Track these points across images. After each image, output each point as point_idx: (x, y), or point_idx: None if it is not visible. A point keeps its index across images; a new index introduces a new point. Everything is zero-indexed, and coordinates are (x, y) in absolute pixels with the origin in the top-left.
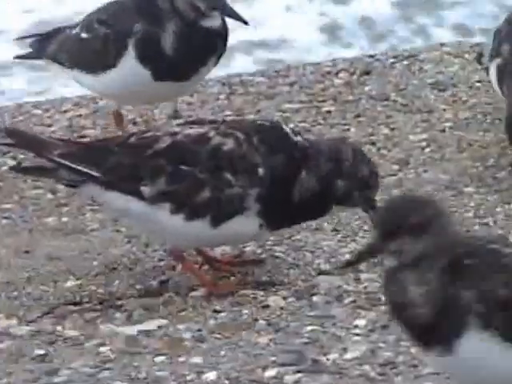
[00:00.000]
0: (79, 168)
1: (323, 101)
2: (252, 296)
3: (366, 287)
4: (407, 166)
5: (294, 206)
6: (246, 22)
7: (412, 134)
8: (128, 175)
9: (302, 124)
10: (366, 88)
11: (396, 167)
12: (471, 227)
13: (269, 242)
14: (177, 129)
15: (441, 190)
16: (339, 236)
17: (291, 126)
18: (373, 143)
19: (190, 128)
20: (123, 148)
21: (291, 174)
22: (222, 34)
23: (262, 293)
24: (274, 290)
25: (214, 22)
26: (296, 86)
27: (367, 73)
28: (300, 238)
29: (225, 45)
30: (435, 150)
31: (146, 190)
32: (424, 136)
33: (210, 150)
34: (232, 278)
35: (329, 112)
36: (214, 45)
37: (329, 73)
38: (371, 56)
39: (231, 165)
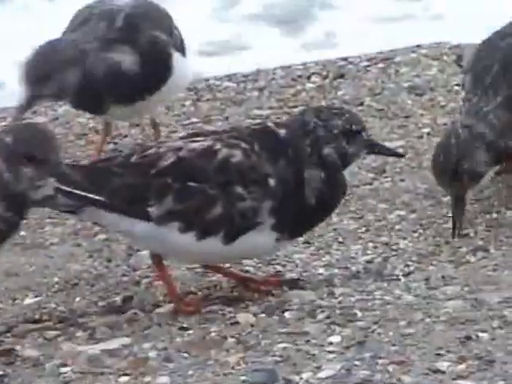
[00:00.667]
0: (80, 193)
1: (294, 106)
2: (220, 312)
3: (340, 302)
4: (383, 175)
5: (310, 208)
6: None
7: (388, 141)
8: (133, 196)
9: None
10: (340, 92)
11: (371, 175)
12: (450, 238)
13: None
14: (179, 143)
15: (418, 200)
16: (312, 248)
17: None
18: None
19: (194, 142)
20: (126, 168)
21: (298, 177)
22: None
23: (230, 309)
24: (243, 305)
25: None
26: (266, 91)
27: (340, 76)
28: None
29: None
30: (413, 157)
31: (153, 210)
32: (401, 143)
33: (219, 163)
34: (198, 293)
35: None
36: None
37: (300, 77)
38: (344, 59)
39: (242, 177)
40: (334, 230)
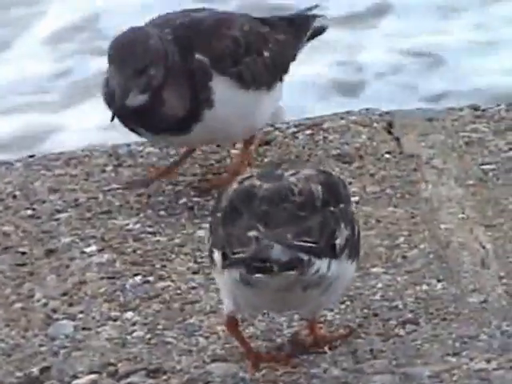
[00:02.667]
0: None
1: (219, 173)
2: None
3: (264, 375)
4: None
5: None
6: None
7: None
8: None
9: (196, 198)
10: (266, 159)
11: None
12: (379, 310)
13: (159, 326)
14: None
15: None
16: None
17: None
18: None
19: None
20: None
21: None
22: None
23: (151, 381)
24: (164, 377)
25: None
26: (189, 158)
27: (267, 143)
28: (193, 321)
29: None
30: None
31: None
32: None
33: None
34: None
35: None
36: None
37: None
38: (271, 125)
39: None
40: None
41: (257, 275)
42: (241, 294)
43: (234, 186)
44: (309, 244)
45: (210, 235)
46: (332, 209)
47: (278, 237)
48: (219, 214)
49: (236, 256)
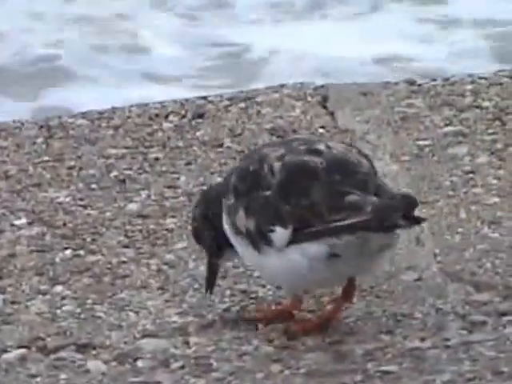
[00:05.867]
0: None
1: (150, 146)
2: (70, 359)
3: (195, 351)
4: None
5: None
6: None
7: None
8: None
9: (128, 171)
10: (198, 133)
11: None
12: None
13: (89, 301)
14: None
15: None
16: (166, 295)
17: None
18: None
19: None
20: None
21: None
22: None
23: (81, 356)
24: (94, 352)
25: None
26: (121, 129)
27: (199, 116)
28: (123, 296)
29: None
30: None
31: None
32: None
33: None
34: (47, 339)
35: (157, 159)
36: None
37: (157, 115)
38: (204, 98)
39: None
40: (190, 276)
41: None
42: (311, 268)
43: (271, 163)
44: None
45: (248, 216)
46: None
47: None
48: (266, 193)
49: (347, 222)
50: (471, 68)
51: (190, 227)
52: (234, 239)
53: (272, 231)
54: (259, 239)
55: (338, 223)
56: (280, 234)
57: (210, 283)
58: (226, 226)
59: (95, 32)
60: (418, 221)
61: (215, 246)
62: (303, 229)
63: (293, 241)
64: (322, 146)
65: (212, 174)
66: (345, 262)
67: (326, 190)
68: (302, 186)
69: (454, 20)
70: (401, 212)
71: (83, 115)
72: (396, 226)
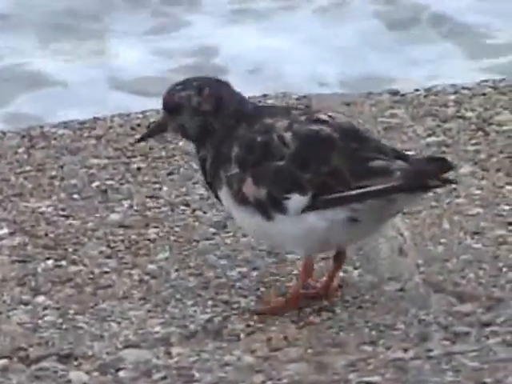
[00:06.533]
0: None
1: (133, 156)
2: (52, 370)
3: (177, 362)
4: (224, 230)
5: None
6: None
7: None
8: None
9: (110, 182)
10: (180, 143)
11: (212, 230)
12: None
13: (71, 311)
14: None
15: (261, 256)
16: (148, 305)
17: None
18: (187, 204)
19: None
20: None
21: None
22: None
23: (63, 366)
24: (76, 363)
25: None
26: (103, 139)
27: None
28: (105, 306)
29: None
30: None
31: None
32: None
33: None
34: (29, 349)
35: (139, 169)
36: None
37: (139, 125)
38: None
39: None
40: (172, 286)
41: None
42: (329, 232)
43: (280, 133)
44: None
45: (258, 185)
46: None
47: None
48: (279, 162)
49: (378, 187)
50: None
51: None
52: (234, 209)
53: (287, 199)
54: (271, 207)
55: (367, 189)
56: (296, 201)
57: (149, 134)
58: (225, 197)
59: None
60: (450, 181)
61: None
62: (324, 195)
63: (311, 207)
64: (324, 116)
65: (194, 184)
66: (363, 226)
67: (346, 156)
68: (320, 154)
69: None
70: (434, 176)
71: (65, 125)
72: (431, 186)
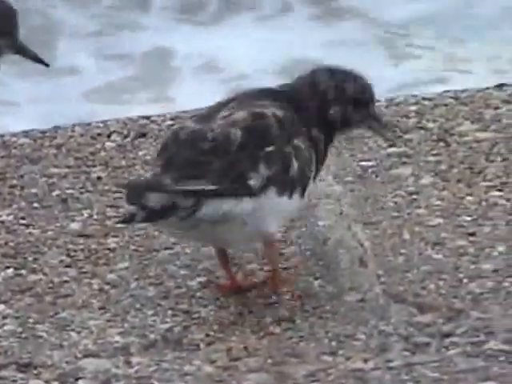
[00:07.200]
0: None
1: (93, 165)
2: (12, 379)
3: (137, 371)
4: None
5: None
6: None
7: None
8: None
9: (70, 191)
10: (141, 152)
11: (172, 240)
12: (254, 307)
13: (31, 320)
14: None
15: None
16: (108, 315)
17: None
18: None
19: None
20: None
21: None
22: None
23: (22, 375)
24: (35, 372)
25: None
26: (63, 148)
27: (142, 136)
28: (65, 316)
29: None
30: None
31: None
32: None
33: None
34: None
35: (99, 178)
36: None
37: (100, 135)
38: (146, 117)
39: None
40: (132, 295)
41: None
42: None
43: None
44: None
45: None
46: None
47: None
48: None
49: None
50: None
51: None
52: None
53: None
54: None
55: None
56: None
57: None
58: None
59: None
60: None
61: None
62: None
63: None
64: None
65: None
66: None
67: None
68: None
69: None
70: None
71: (25, 134)
72: None
